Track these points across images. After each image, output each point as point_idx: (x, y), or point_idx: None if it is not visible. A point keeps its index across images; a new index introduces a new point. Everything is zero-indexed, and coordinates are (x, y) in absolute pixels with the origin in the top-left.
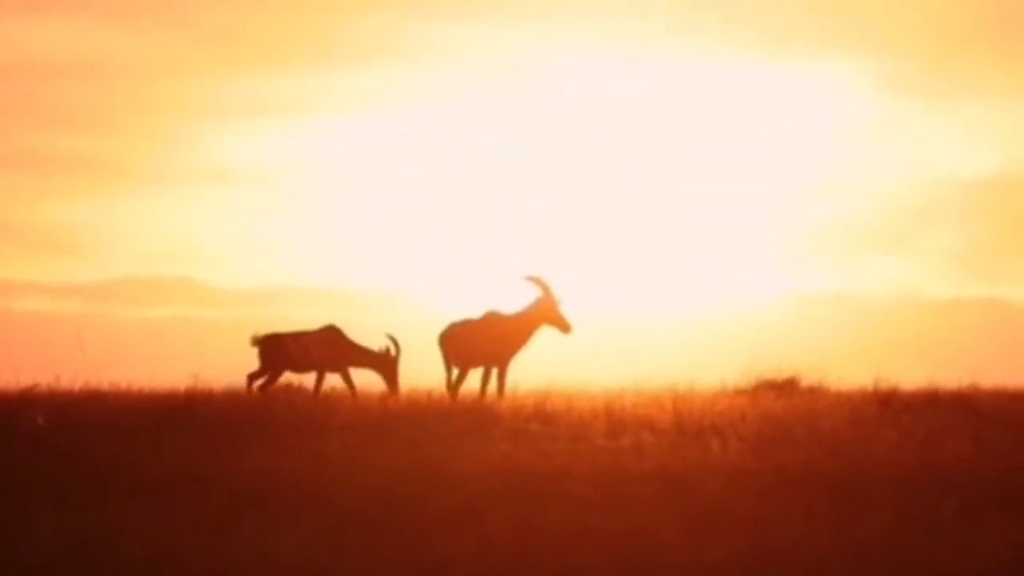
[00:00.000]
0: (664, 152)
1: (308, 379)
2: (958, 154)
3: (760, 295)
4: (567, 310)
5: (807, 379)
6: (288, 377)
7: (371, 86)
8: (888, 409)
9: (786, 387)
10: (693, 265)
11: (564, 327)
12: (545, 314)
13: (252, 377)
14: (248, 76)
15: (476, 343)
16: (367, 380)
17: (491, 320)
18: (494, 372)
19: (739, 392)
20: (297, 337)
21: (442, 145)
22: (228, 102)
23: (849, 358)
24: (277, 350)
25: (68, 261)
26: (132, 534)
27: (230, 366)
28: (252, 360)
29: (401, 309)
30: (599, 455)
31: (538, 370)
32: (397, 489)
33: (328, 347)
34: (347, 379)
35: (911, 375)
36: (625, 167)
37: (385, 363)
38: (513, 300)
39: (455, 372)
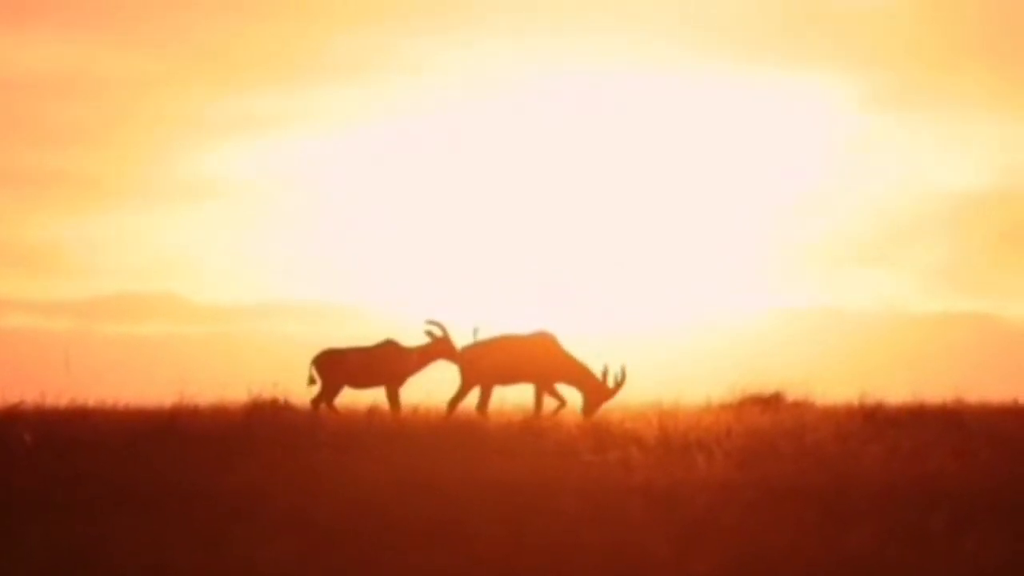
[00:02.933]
0: (649, 167)
1: (293, 395)
2: (944, 169)
3: (745, 310)
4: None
5: (793, 394)
6: (273, 392)
7: (355, 102)
8: (874, 423)
9: (772, 402)
10: (678, 280)
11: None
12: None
13: (317, 401)
14: (232, 92)
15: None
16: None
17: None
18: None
19: (725, 407)
20: (356, 352)
21: (426, 161)
22: (212, 118)
23: (835, 373)
24: (336, 365)
25: (52, 278)
26: (118, 550)
27: (215, 382)
28: (237, 376)
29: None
30: (586, 470)
31: (526, 387)
32: (383, 504)
33: (388, 362)
34: (392, 395)
35: (897, 390)
36: (610, 182)
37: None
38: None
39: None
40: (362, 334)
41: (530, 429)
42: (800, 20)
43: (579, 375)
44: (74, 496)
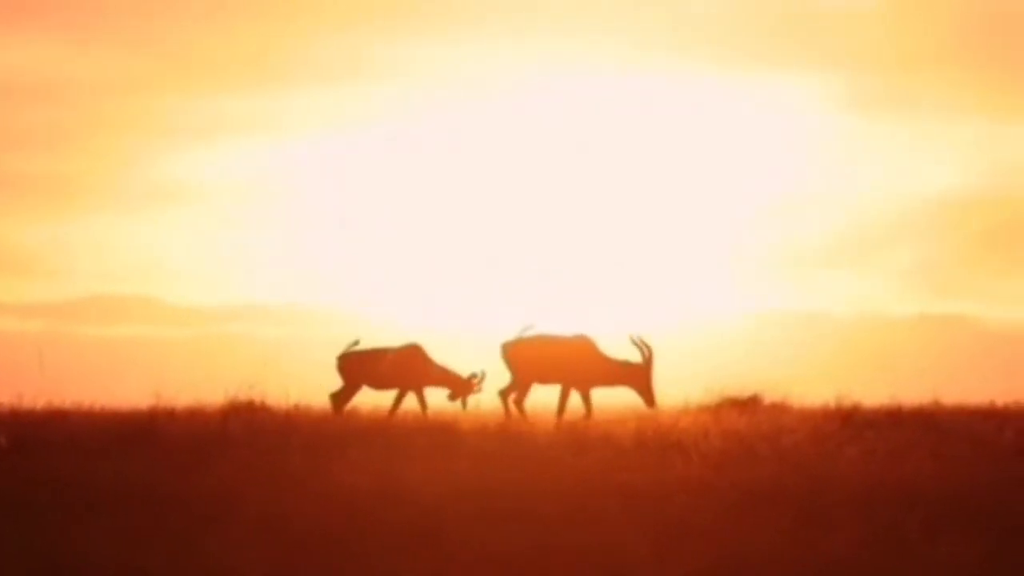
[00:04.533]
0: (628, 169)
1: (270, 398)
2: (921, 171)
3: (723, 312)
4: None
5: (770, 396)
6: (249, 395)
7: (330, 105)
8: (851, 426)
9: (749, 404)
10: (656, 282)
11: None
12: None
13: (337, 399)
14: (207, 95)
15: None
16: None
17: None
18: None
19: (702, 409)
20: (379, 354)
21: (402, 164)
22: (187, 121)
23: (812, 375)
24: (359, 366)
25: (28, 281)
26: (93, 553)
27: (191, 384)
28: (213, 378)
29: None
30: (563, 472)
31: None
32: (359, 508)
33: (410, 365)
34: (421, 399)
35: (874, 392)
36: (588, 185)
37: (464, 386)
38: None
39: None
40: (341, 336)
41: (506, 432)
42: (779, 23)
43: (619, 374)
44: (49, 499)
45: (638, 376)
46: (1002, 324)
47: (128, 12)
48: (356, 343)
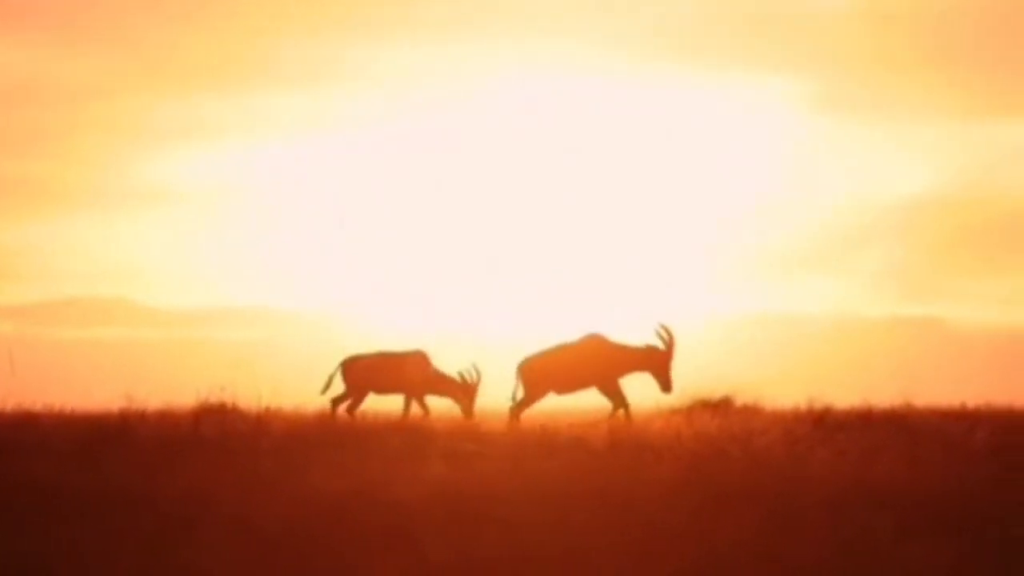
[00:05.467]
0: (603, 172)
1: (241, 400)
2: (893, 174)
3: (694, 314)
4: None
5: (742, 398)
6: (221, 397)
7: (305, 109)
8: (822, 428)
9: (721, 406)
10: (629, 284)
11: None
12: None
13: (336, 402)
14: (184, 99)
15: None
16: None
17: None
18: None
19: (674, 412)
20: (384, 358)
21: (376, 167)
22: (164, 125)
23: (783, 377)
24: (362, 371)
25: (3, 283)
26: (66, 556)
27: (164, 386)
28: (185, 380)
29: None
30: (535, 475)
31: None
32: (330, 511)
33: (415, 371)
34: (423, 404)
35: (845, 393)
36: (561, 188)
37: (465, 392)
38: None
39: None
40: (315, 339)
41: (477, 434)
42: (754, 26)
43: (639, 360)
44: (20, 501)
45: (658, 361)
46: (973, 326)
47: (105, 16)
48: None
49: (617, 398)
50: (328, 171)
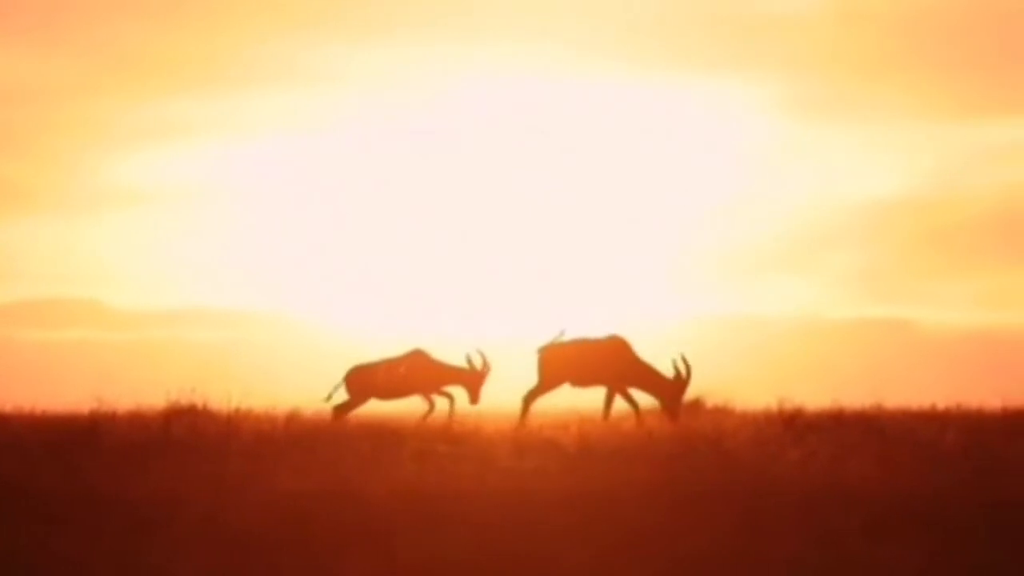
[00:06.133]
0: (568, 173)
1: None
2: (860, 175)
3: (663, 316)
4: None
5: (712, 400)
6: (191, 399)
7: (273, 109)
8: (792, 429)
9: (691, 408)
10: (595, 287)
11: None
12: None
13: (339, 410)
14: (151, 99)
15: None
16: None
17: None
18: None
19: (646, 413)
20: (387, 366)
21: (344, 168)
22: (131, 125)
23: (754, 379)
24: (366, 381)
25: None
26: (36, 557)
27: (134, 387)
28: (155, 381)
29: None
30: (504, 477)
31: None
32: (300, 512)
33: (418, 371)
34: (447, 395)
35: (815, 395)
36: (526, 189)
37: (472, 378)
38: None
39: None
40: (284, 340)
41: (448, 435)
42: (721, 28)
43: (650, 380)
44: None
45: (668, 390)
46: (943, 327)
47: (72, 17)
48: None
49: (631, 401)
50: (300, 172)
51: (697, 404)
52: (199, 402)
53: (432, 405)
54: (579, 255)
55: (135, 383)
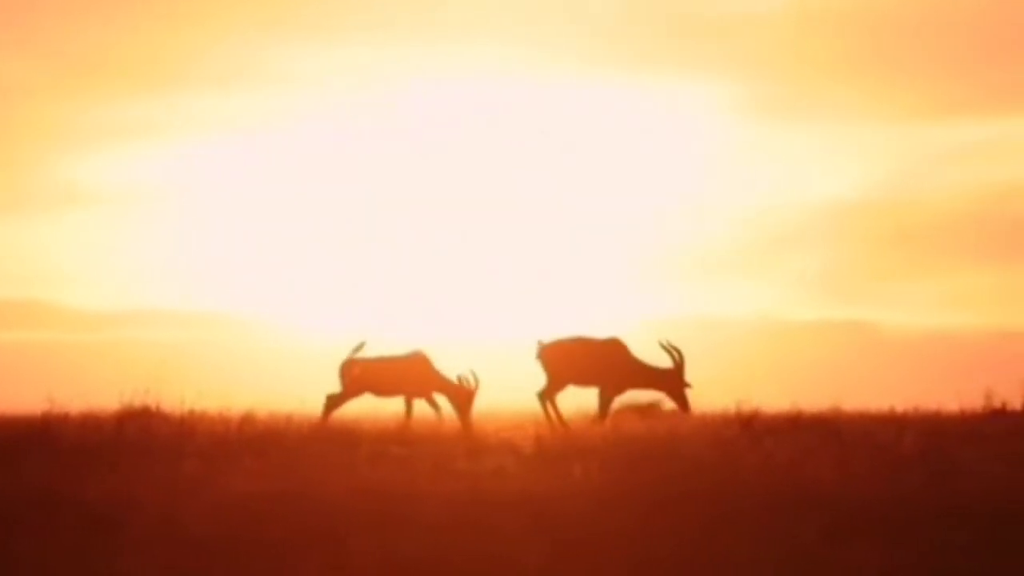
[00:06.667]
0: (525, 174)
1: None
2: (820, 177)
3: (621, 318)
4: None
5: (669, 402)
6: (144, 400)
7: (229, 110)
8: (751, 432)
9: (648, 410)
10: (554, 288)
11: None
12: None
13: (332, 401)
14: (106, 99)
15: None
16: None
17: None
18: None
19: (595, 418)
20: (384, 362)
21: (301, 168)
22: (86, 125)
23: (711, 381)
24: (362, 374)
25: None
26: None
27: (87, 389)
28: (108, 383)
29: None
30: (460, 479)
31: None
32: (254, 513)
33: (415, 372)
34: (433, 403)
35: (773, 398)
36: (484, 189)
37: (461, 396)
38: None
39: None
40: (238, 342)
41: (403, 437)
42: (680, 28)
43: (651, 377)
44: None
45: (669, 381)
46: (902, 329)
47: (30, 17)
48: (360, 346)
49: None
50: (252, 172)
51: (654, 407)
52: (153, 404)
53: (410, 411)
54: (536, 256)
55: (88, 384)
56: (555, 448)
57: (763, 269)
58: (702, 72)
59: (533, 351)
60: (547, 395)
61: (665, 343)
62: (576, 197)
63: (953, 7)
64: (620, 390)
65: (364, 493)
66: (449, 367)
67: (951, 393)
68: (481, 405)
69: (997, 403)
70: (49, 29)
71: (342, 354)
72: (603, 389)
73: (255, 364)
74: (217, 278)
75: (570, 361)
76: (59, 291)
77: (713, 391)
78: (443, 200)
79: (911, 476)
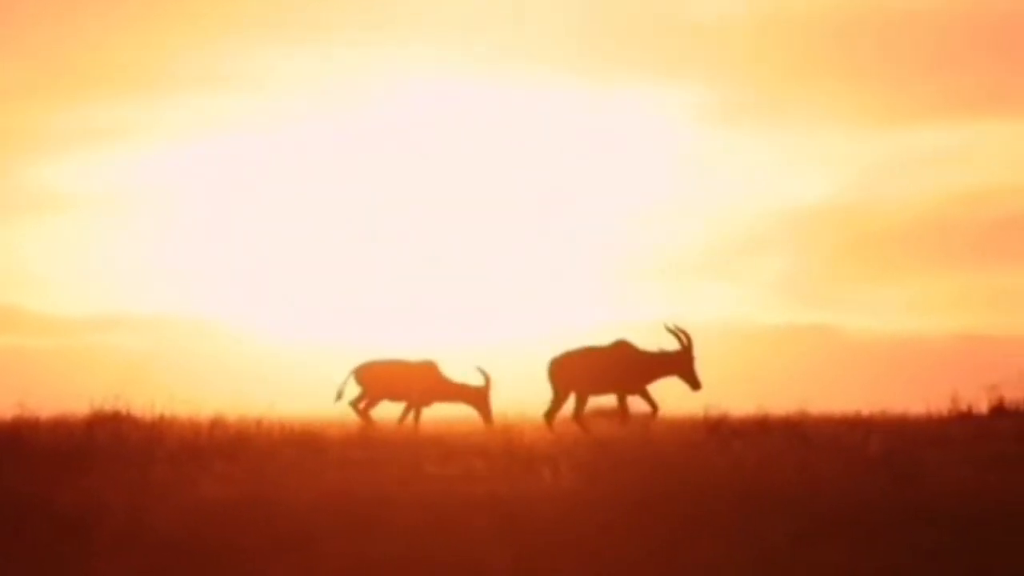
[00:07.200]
0: (493, 179)
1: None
2: (787, 182)
3: (586, 323)
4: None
5: (637, 406)
6: (115, 405)
7: (197, 113)
8: (718, 435)
9: (617, 414)
10: (521, 293)
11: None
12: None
13: (357, 404)
14: (75, 104)
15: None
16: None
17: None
18: None
19: (571, 420)
20: (398, 366)
21: (269, 172)
22: (54, 130)
23: (679, 384)
24: (377, 376)
25: None
26: None
27: (58, 394)
28: (79, 388)
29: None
30: (429, 482)
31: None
32: (224, 518)
33: (425, 381)
34: (417, 412)
35: (741, 402)
36: (453, 194)
37: (478, 397)
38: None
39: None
40: (207, 346)
41: (371, 441)
42: (647, 34)
43: (663, 365)
44: None
45: (680, 363)
46: (868, 334)
47: None
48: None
49: (648, 402)
50: (222, 177)
51: (623, 410)
52: (123, 408)
53: (406, 417)
54: (506, 262)
55: (58, 389)
56: (525, 452)
57: (730, 273)
58: (671, 77)
59: (501, 355)
60: (553, 413)
61: (671, 326)
62: (543, 200)
63: (918, 14)
64: (638, 389)
65: (334, 497)
66: (450, 368)
67: (917, 397)
68: (452, 409)
69: (963, 406)
70: (16, 35)
71: (314, 358)
72: (622, 393)
73: (225, 369)
74: (188, 283)
75: (584, 373)
76: (29, 296)
77: (681, 395)
78: (413, 203)
79: (877, 479)
